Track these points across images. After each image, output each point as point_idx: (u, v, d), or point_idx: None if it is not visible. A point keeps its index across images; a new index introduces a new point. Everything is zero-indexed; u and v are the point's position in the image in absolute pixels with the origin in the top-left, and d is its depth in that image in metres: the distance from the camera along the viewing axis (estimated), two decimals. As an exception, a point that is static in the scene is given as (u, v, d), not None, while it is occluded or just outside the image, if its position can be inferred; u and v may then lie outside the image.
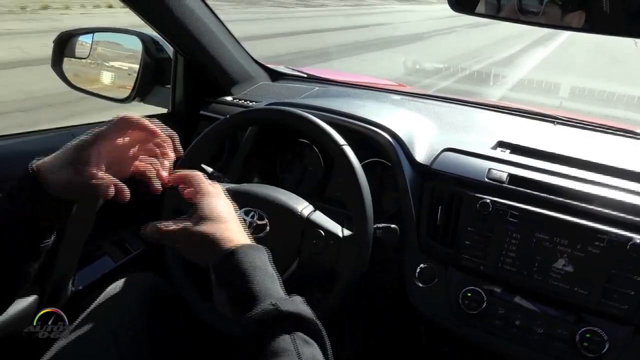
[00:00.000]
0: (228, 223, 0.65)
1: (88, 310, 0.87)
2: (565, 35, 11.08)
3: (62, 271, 1.09)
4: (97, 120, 1.27)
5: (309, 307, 0.59)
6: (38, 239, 0.64)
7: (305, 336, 0.56)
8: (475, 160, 1.00)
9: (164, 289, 0.96)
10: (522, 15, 0.78)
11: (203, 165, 1.03)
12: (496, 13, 0.85)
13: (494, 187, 0.94)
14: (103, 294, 0.90)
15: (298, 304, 0.58)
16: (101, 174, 0.62)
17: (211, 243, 0.63)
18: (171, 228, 0.66)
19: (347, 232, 0.88)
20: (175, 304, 0.94)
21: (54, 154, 0.63)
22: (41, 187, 0.61)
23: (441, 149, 1.03)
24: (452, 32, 12.58)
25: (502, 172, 0.96)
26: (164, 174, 0.70)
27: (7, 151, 1.08)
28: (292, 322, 0.56)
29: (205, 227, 0.64)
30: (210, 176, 1.03)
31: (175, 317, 0.94)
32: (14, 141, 1.12)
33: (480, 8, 0.85)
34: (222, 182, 1.03)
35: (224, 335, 0.88)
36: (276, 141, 1.24)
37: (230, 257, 0.61)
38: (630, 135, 1.15)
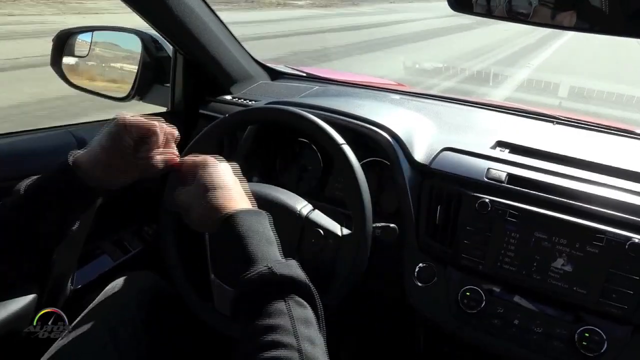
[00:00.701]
0: (230, 190, 0.66)
1: (87, 309, 0.87)
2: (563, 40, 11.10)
3: (62, 270, 1.09)
4: (96, 119, 1.28)
5: (303, 272, 0.60)
6: (65, 228, 0.67)
7: (298, 299, 0.57)
8: (474, 160, 1.00)
9: (163, 287, 0.96)
10: (521, 15, 0.78)
11: None
12: (496, 12, 0.85)
13: (493, 186, 0.94)
14: (102, 292, 0.91)
15: (293, 268, 0.59)
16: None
17: (212, 210, 0.64)
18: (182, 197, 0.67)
19: (346, 231, 0.88)
20: (175, 303, 0.94)
21: (88, 150, 0.67)
22: (78, 178, 0.65)
23: (440, 149, 1.03)
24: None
25: (501, 171, 0.96)
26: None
27: (7, 150, 1.08)
28: (286, 285, 0.57)
29: (207, 194, 0.65)
30: None
31: (175, 316, 0.94)
32: (13, 140, 1.12)
33: (480, 7, 0.85)
34: None
35: (223, 335, 0.89)
36: (275, 140, 1.24)
37: (227, 221, 0.62)
38: (630, 135, 1.15)
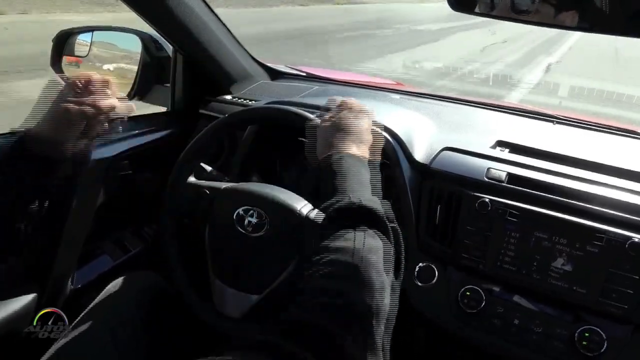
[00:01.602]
0: (353, 136, 0.75)
1: (87, 309, 0.87)
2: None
3: (61, 270, 1.09)
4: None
5: (383, 210, 0.65)
6: (29, 203, 0.70)
7: (370, 230, 0.62)
8: (474, 160, 1.00)
9: (163, 287, 0.96)
10: (521, 14, 0.78)
11: (202, 165, 1.02)
12: (496, 12, 0.85)
13: (493, 186, 0.94)
14: (102, 292, 0.91)
15: (372, 202, 0.65)
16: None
17: (329, 146, 0.74)
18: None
19: None
20: (175, 303, 0.94)
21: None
22: (28, 150, 0.68)
23: (440, 148, 1.03)
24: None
25: (501, 171, 0.96)
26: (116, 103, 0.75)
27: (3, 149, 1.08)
28: (362, 216, 0.63)
29: (336, 133, 0.75)
30: (209, 175, 1.03)
31: (175, 316, 0.94)
32: (10, 139, 1.12)
33: (480, 7, 0.85)
34: (221, 181, 1.03)
35: (223, 335, 0.89)
36: (275, 140, 1.24)
37: (331, 158, 0.71)
38: (630, 134, 1.15)
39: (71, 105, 0.69)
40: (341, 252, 0.58)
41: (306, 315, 0.53)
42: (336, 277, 0.56)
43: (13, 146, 0.68)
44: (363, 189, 0.68)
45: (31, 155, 0.68)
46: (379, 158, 0.78)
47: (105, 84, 0.74)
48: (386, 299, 0.58)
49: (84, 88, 0.72)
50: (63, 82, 0.72)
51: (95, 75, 0.73)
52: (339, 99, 0.83)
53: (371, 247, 0.60)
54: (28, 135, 0.68)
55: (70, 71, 1.37)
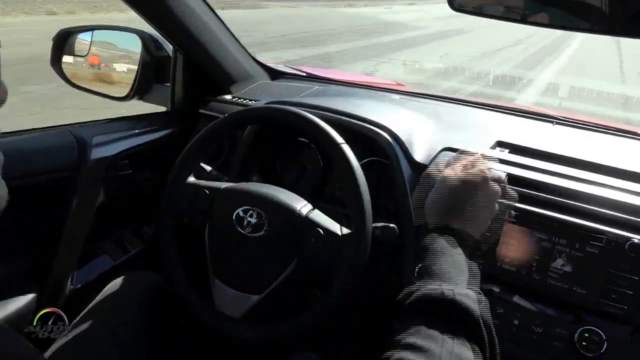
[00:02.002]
0: (465, 211, 0.67)
1: (87, 308, 0.87)
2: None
3: (61, 270, 1.09)
4: (95, 119, 1.28)
5: (478, 308, 0.56)
6: None
7: (461, 337, 0.52)
8: None
9: (163, 287, 0.96)
10: (521, 15, 0.78)
11: (202, 165, 1.02)
12: (497, 13, 0.85)
13: None
14: (102, 292, 0.91)
15: (471, 300, 0.55)
16: None
17: (436, 216, 0.67)
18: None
19: (346, 231, 0.88)
20: (175, 303, 0.94)
21: None
22: None
23: (440, 149, 1.03)
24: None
25: (500, 171, 0.96)
26: None
27: (7, 149, 1.08)
28: (454, 313, 0.53)
29: (447, 203, 0.67)
30: (209, 175, 1.03)
31: (175, 316, 0.94)
32: (13, 139, 1.12)
33: (480, 7, 0.85)
34: (220, 181, 1.03)
35: (223, 335, 0.89)
36: (275, 140, 1.24)
37: (436, 231, 0.64)
38: (629, 135, 1.15)
39: None
40: (422, 355, 0.48)
41: None
42: None
43: None
44: (461, 276, 0.59)
45: None
46: (489, 241, 0.70)
47: None
48: None
49: None
50: None
51: None
52: (472, 152, 0.72)
53: (460, 356, 0.50)
54: None
55: (70, 70, 1.37)
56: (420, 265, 0.61)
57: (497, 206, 0.71)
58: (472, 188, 0.67)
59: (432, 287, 0.55)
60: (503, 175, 0.73)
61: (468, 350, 0.52)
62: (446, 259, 0.61)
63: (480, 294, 0.59)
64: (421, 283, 0.57)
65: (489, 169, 0.71)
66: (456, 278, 0.59)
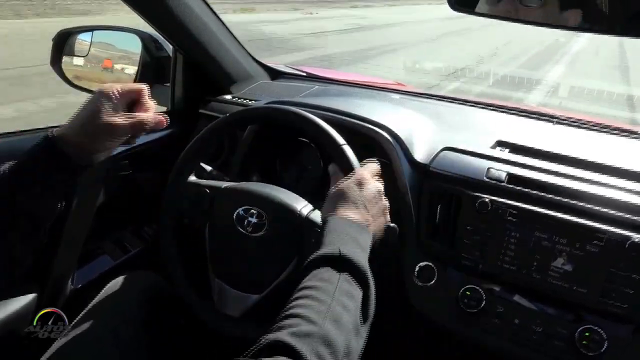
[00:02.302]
0: (355, 205, 0.76)
1: (87, 308, 0.87)
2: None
3: (61, 269, 1.09)
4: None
5: (367, 263, 0.68)
6: (53, 204, 0.67)
7: (350, 278, 0.64)
8: (474, 160, 1.00)
9: (163, 287, 0.96)
10: (520, 14, 0.78)
11: (202, 165, 1.03)
12: (496, 12, 0.85)
13: (493, 186, 0.94)
14: (102, 292, 0.91)
15: (358, 256, 0.67)
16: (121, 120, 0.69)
17: (332, 209, 0.76)
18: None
19: None
20: (175, 303, 0.94)
21: (69, 123, 0.68)
22: (62, 153, 0.65)
23: (440, 148, 1.03)
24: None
25: (501, 171, 0.96)
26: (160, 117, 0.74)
27: (6, 149, 1.08)
28: (345, 264, 0.65)
29: (339, 200, 0.77)
30: (209, 175, 1.03)
31: (175, 316, 0.94)
32: (10, 139, 1.12)
33: (480, 7, 0.85)
34: (221, 180, 1.03)
35: (223, 335, 0.89)
36: (275, 140, 1.24)
37: (330, 221, 0.73)
38: (629, 134, 1.15)
39: (119, 120, 0.68)
40: (318, 290, 0.60)
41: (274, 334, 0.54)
42: (309, 308, 0.58)
43: (41, 145, 0.65)
44: (357, 249, 0.69)
45: (61, 157, 0.65)
46: (382, 224, 0.80)
47: (144, 94, 0.73)
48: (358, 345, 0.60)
49: (123, 98, 0.69)
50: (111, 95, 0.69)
51: (135, 85, 0.71)
52: (357, 169, 0.84)
53: (349, 292, 0.62)
54: (59, 138, 0.65)
55: (71, 71, 1.37)
56: (321, 240, 0.70)
57: (382, 199, 0.82)
58: (354, 191, 0.78)
59: (325, 249, 0.66)
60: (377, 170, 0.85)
61: (356, 290, 0.64)
62: (339, 235, 0.70)
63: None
64: (317, 252, 0.67)
65: (370, 171, 0.83)
66: (347, 244, 0.68)
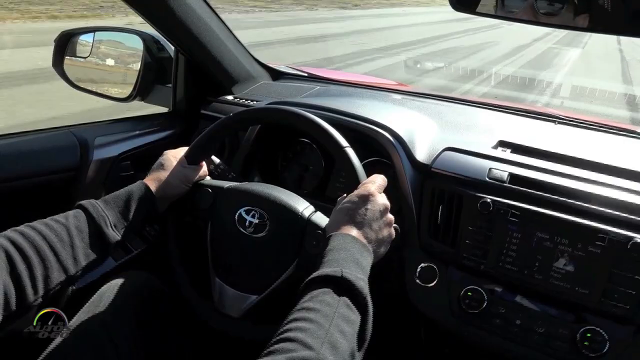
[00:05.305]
0: (362, 223, 0.78)
1: (83, 308, 0.87)
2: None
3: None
4: (95, 120, 1.28)
5: (367, 287, 0.68)
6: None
7: (350, 302, 0.65)
8: (476, 160, 1.00)
9: (159, 287, 0.96)
10: (521, 15, 0.78)
11: (212, 157, 1.03)
12: (499, 12, 0.85)
13: (494, 186, 0.94)
14: (98, 292, 0.91)
15: (359, 280, 0.67)
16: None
17: (338, 225, 0.78)
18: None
19: None
20: (171, 302, 0.94)
21: (166, 179, 0.92)
22: (154, 203, 0.89)
23: (442, 148, 1.03)
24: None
25: (503, 171, 0.95)
26: None
27: (7, 150, 1.08)
28: (345, 287, 0.65)
29: (348, 213, 0.79)
30: (217, 168, 1.03)
31: (171, 315, 0.94)
32: (13, 140, 1.12)
33: (481, 7, 0.85)
34: (228, 174, 1.03)
35: (222, 334, 0.89)
36: (277, 140, 1.24)
37: (335, 238, 0.74)
38: (632, 134, 1.15)
39: (196, 177, 0.95)
40: (315, 313, 0.61)
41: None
42: (306, 332, 0.58)
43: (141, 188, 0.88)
44: (357, 269, 0.69)
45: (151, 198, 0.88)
46: (386, 239, 0.81)
47: None
48: None
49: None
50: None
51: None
52: (364, 184, 0.85)
53: (347, 317, 0.62)
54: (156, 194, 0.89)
55: (72, 71, 1.37)
56: (323, 258, 0.71)
57: (388, 214, 0.83)
58: (359, 208, 0.79)
59: (327, 269, 0.67)
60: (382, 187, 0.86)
61: (353, 315, 0.64)
62: (342, 254, 0.71)
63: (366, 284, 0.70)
64: (320, 269, 0.68)
65: (377, 187, 0.84)
66: (349, 266, 0.69)
